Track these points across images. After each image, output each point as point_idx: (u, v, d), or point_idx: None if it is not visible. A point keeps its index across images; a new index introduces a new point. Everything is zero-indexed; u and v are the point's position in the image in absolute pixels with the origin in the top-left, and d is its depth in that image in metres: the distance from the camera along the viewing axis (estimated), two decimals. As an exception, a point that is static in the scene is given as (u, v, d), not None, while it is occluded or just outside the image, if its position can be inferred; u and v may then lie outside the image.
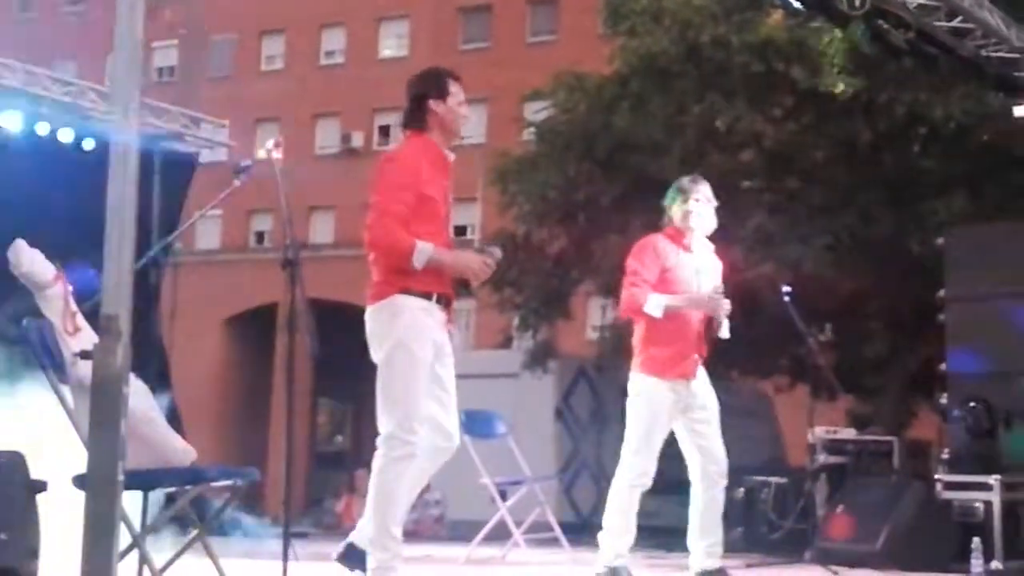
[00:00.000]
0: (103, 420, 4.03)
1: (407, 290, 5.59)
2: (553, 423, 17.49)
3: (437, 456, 5.77)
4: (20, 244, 5.74)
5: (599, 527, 7.12)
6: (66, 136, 11.57)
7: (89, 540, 3.95)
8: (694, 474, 7.02)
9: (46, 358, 5.13)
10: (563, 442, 17.57)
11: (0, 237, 5.93)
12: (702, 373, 7.12)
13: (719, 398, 7.17)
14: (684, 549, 7.13)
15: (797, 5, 12.56)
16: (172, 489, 5.34)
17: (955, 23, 10.12)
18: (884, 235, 14.61)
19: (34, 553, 5.50)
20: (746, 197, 14.94)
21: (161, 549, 5.38)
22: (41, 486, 5.53)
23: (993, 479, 9.87)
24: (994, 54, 10.50)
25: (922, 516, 9.86)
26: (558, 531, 10.69)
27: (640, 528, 7.10)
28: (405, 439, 5.54)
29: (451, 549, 10.91)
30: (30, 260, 5.70)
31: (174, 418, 9.40)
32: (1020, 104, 11.18)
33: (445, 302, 5.72)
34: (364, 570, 5.65)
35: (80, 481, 4.35)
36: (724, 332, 7.11)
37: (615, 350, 17.22)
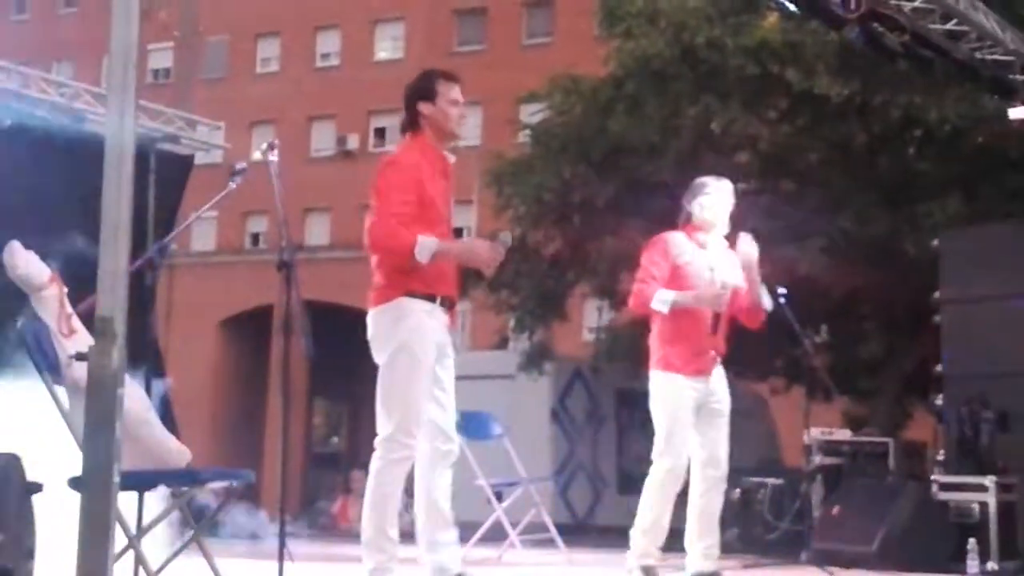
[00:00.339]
0: (98, 422, 4.03)
1: (411, 292, 5.59)
2: (549, 424, 17.49)
3: (440, 460, 5.73)
4: (15, 246, 5.74)
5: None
6: (61, 138, 11.55)
7: (84, 541, 3.95)
8: (694, 475, 6.99)
9: (41, 360, 5.13)
10: (559, 443, 17.56)
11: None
12: (719, 371, 7.12)
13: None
14: (680, 549, 7.11)
15: (792, 8, 12.55)
16: (168, 490, 5.33)
17: (950, 26, 10.12)
18: (879, 237, 14.62)
19: (30, 554, 5.48)
20: (741, 199, 14.92)
21: (157, 550, 5.37)
22: (37, 487, 5.52)
23: (989, 480, 9.89)
24: (989, 57, 10.51)
25: (918, 517, 9.86)
26: (554, 532, 10.68)
27: (628, 528, 7.09)
28: (403, 442, 5.54)
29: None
30: (25, 262, 5.70)
31: (166, 408, 9.37)
32: (1015, 106, 11.19)
33: (448, 304, 5.73)
34: None
35: (75, 482, 4.35)
36: (766, 303, 7.15)
37: (611, 352, 17.27)
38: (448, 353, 5.76)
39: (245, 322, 35.76)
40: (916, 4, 9.80)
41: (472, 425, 10.09)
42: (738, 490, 12.07)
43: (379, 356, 5.63)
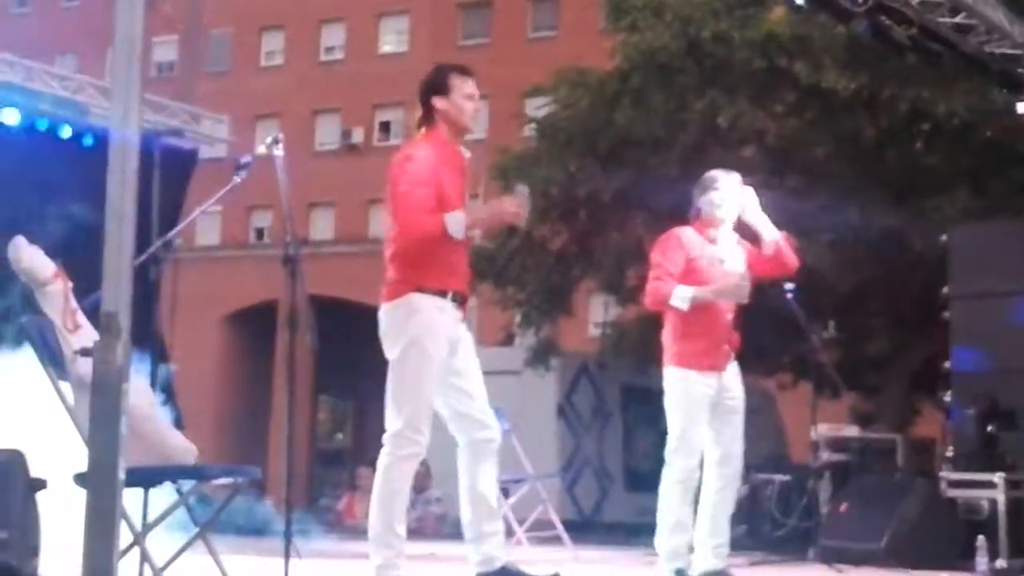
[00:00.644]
0: (103, 417, 4.01)
1: (421, 288, 5.58)
2: (555, 421, 17.44)
3: (481, 450, 5.72)
4: (20, 241, 5.72)
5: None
6: (65, 132, 11.53)
7: (90, 538, 3.92)
8: (708, 473, 6.90)
9: (46, 355, 5.11)
10: (565, 440, 17.51)
11: (0, 233, 5.90)
12: (734, 366, 7.06)
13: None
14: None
15: (799, 1, 12.51)
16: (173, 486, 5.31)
17: (958, 19, 10.07)
18: (887, 232, 14.57)
19: (34, 551, 5.48)
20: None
21: (162, 547, 5.34)
22: (41, 484, 5.51)
23: (998, 477, 9.84)
24: (997, 50, 10.46)
25: (926, 514, 9.82)
26: (560, 529, 10.66)
27: (642, 525, 7.03)
28: (412, 438, 5.52)
29: (453, 547, 10.87)
30: (30, 257, 5.68)
31: (170, 394, 9.36)
32: (1023, 100, 11.15)
33: (460, 300, 5.71)
34: None
35: (81, 479, 4.32)
36: (772, 234, 7.12)
37: (617, 347, 17.24)
38: (464, 344, 5.74)
39: (250, 317, 35.76)
40: (924, -3, 9.76)
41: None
42: (746, 486, 12.02)
43: (390, 352, 5.62)
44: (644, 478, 7.02)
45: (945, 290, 11.43)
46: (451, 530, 10.08)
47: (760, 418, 17.84)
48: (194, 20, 36.88)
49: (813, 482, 11.54)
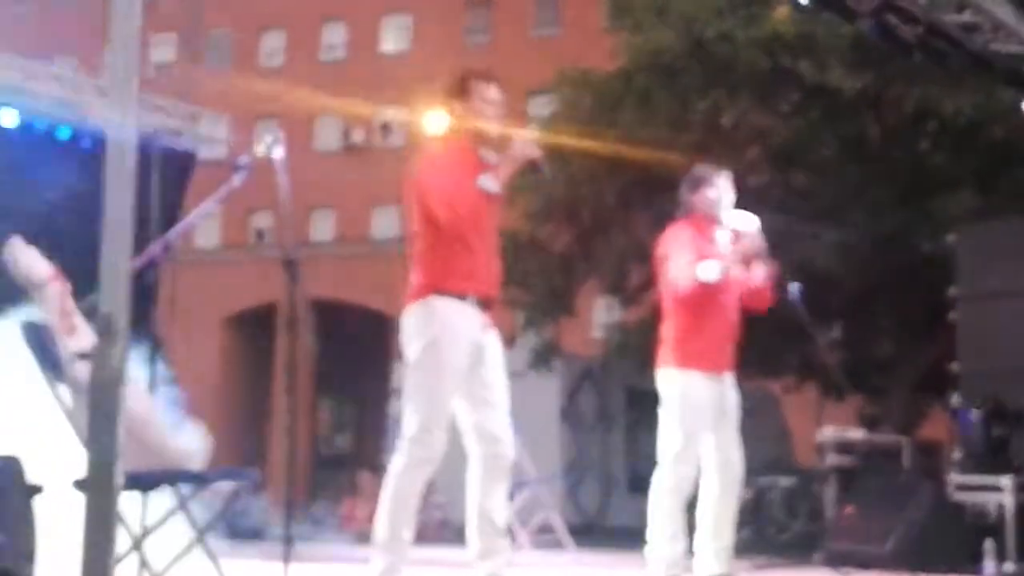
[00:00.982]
0: (101, 420, 3.97)
1: (441, 291, 5.56)
2: (558, 423, 17.41)
3: (491, 465, 5.63)
4: (16, 242, 5.68)
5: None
6: (63, 132, 11.48)
7: (88, 542, 3.89)
8: (709, 478, 6.82)
9: (43, 358, 5.07)
10: (568, 442, 17.47)
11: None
12: (729, 372, 6.94)
13: (726, 397, 7.01)
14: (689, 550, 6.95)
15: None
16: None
17: (965, 17, 10.02)
18: (893, 232, 14.54)
19: (30, 556, 5.43)
20: (752, 194, 14.86)
21: (160, 551, 5.29)
22: (36, 489, 5.47)
23: (1005, 480, 9.81)
24: (1004, 49, 10.40)
25: (933, 517, 9.74)
26: (563, 532, 10.61)
27: (639, 528, 6.94)
28: (426, 442, 5.48)
29: (455, 552, 10.81)
30: (27, 259, 5.65)
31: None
32: (1031, 99, 11.11)
33: (483, 303, 5.65)
34: None
35: (79, 483, 4.27)
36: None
37: (621, 349, 17.18)
38: (491, 353, 5.67)
39: (250, 319, 35.75)
40: (931, -5, 9.70)
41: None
42: (750, 490, 11.99)
43: (409, 355, 5.60)
44: (648, 481, 6.91)
45: (952, 291, 11.39)
46: (452, 536, 10.01)
47: (765, 421, 17.83)
48: (193, 19, 36.85)
49: (819, 485, 11.51)
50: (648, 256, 7.22)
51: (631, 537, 9.72)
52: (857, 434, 12.55)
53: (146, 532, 5.13)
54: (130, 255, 4.11)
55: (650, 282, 7.35)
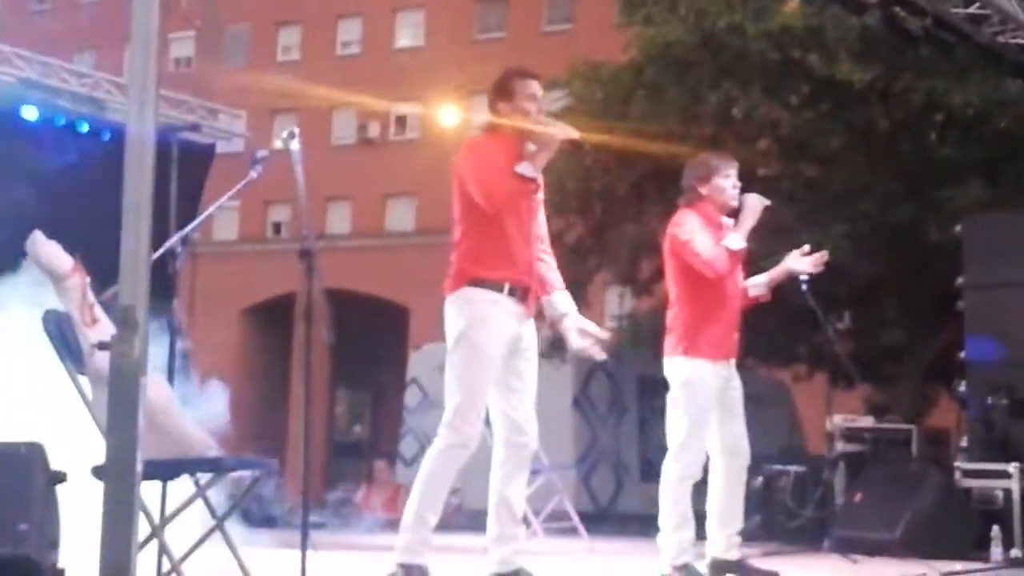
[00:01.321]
0: (121, 411, 4.03)
1: (476, 280, 5.63)
2: (571, 412, 17.46)
3: (513, 454, 5.72)
4: (38, 235, 5.74)
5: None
6: (83, 127, 11.59)
7: (108, 530, 3.95)
8: (716, 466, 6.84)
9: (64, 349, 5.15)
10: (581, 431, 17.52)
11: (19, 228, 5.94)
12: (734, 359, 6.95)
13: (735, 386, 7.07)
14: (701, 536, 7.02)
15: (813, -8, 12.55)
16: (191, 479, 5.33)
17: (972, 9, 10.09)
18: (902, 222, 14.59)
19: (54, 544, 5.50)
20: (763, 185, 14.92)
21: (180, 539, 5.38)
22: (61, 477, 5.54)
23: (1012, 467, 9.87)
24: (1011, 40, 10.47)
25: (941, 504, 9.82)
26: (576, 520, 10.68)
27: (651, 515, 7.01)
28: (460, 428, 5.57)
29: (469, 538, 10.91)
30: (48, 251, 5.70)
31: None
32: (1038, 90, 11.17)
33: (520, 293, 5.70)
34: None
35: (99, 472, 4.36)
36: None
37: (633, 339, 17.25)
38: (526, 345, 5.74)
39: (268, 311, 35.84)
40: (937, -12, 9.77)
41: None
42: (760, 477, 12.05)
43: (448, 345, 5.68)
44: (660, 469, 6.96)
45: (959, 280, 11.43)
46: (466, 521, 10.11)
47: (775, 409, 17.89)
48: (211, 16, 36.90)
49: (828, 473, 11.54)
50: (660, 247, 7.24)
51: (643, 524, 9.82)
52: (866, 422, 12.59)
53: (165, 520, 5.18)
54: (150, 248, 4.21)
55: (661, 273, 7.36)
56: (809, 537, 10.94)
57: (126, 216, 4.12)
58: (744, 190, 7.05)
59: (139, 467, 4.01)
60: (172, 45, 37.48)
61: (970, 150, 14.60)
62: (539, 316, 5.90)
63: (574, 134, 5.87)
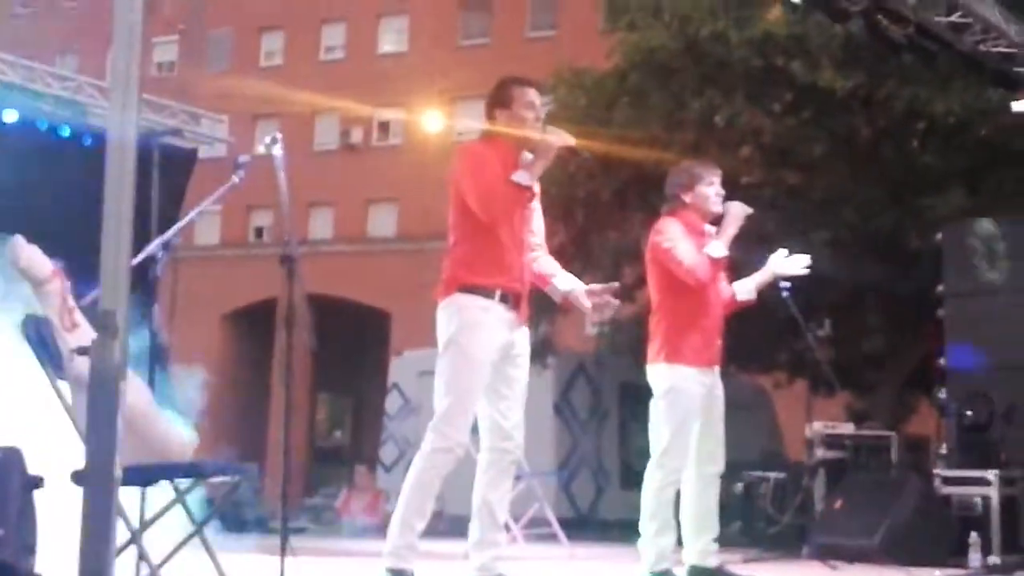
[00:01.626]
0: (100, 416, 4.01)
1: (468, 287, 5.64)
2: (552, 419, 17.47)
3: (496, 460, 5.73)
4: (18, 240, 5.72)
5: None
6: (65, 132, 11.56)
7: (86, 536, 3.93)
8: (690, 472, 6.80)
9: (43, 354, 5.14)
10: (562, 438, 17.54)
11: (-1, 233, 5.92)
12: (717, 366, 6.92)
13: (716, 392, 7.07)
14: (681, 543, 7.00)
15: (796, 0, 12.54)
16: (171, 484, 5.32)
17: (954, 18, 10.11)
18: (883, 230, 14.61)
19: (31, 549, 5.48)
20: (745, 193, 14.94)
21: (158, 544, 5.37)
22: (38, 482, 5.52)
23: (991, 474, 9.90)
24: (993, 49, 10.50)
25: (920, 511, 9.84)
26: (556, 527, 10.68)
27: (631, 522, 6.99)
28: (446, 433, 5.57)
29: (449, 544, 10.91)
30: (28, 256, 5.68)
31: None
32: (1019, 99, 11.18)
33: (512, 300, 5.72)
34: None
35: (77, 477, 4.34)
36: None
37: (614, 345, 17.26)
38: (518, 352, 5.78)
39: (249, 316, 35.77)
40: (920, -4, 9.80)
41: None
42: (740, 484, 12.08)
43: (439, 349, 5.69)
44: (641, 476, 6.94)
45: (940, 288, 11.47)
46: (447, 527, 10.11)
47: (755, 416, 17.92)
48: (194, 20, 36.87)
49: (808, 479, 11.56)
50: (642, 254, 7.24)
51: (624, 530, 9.82)
52: (846, 429, 12.63)
53: (144, 525, 5.17)
54: (130, 253, 4.20)
55: (643, 279, 7.33)
56: (789, 544, 10.96)
57: (107, 221, 4.10)
58: (726, 198, 7.05)
59: (118, 472, 4.00)
60: (155, 50, 37.40)
61: (951, 158, 14.64)
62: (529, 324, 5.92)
63: (572, 141, 5.85)
